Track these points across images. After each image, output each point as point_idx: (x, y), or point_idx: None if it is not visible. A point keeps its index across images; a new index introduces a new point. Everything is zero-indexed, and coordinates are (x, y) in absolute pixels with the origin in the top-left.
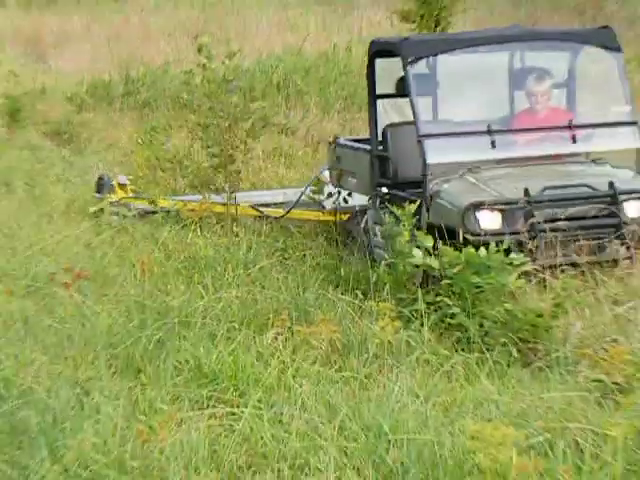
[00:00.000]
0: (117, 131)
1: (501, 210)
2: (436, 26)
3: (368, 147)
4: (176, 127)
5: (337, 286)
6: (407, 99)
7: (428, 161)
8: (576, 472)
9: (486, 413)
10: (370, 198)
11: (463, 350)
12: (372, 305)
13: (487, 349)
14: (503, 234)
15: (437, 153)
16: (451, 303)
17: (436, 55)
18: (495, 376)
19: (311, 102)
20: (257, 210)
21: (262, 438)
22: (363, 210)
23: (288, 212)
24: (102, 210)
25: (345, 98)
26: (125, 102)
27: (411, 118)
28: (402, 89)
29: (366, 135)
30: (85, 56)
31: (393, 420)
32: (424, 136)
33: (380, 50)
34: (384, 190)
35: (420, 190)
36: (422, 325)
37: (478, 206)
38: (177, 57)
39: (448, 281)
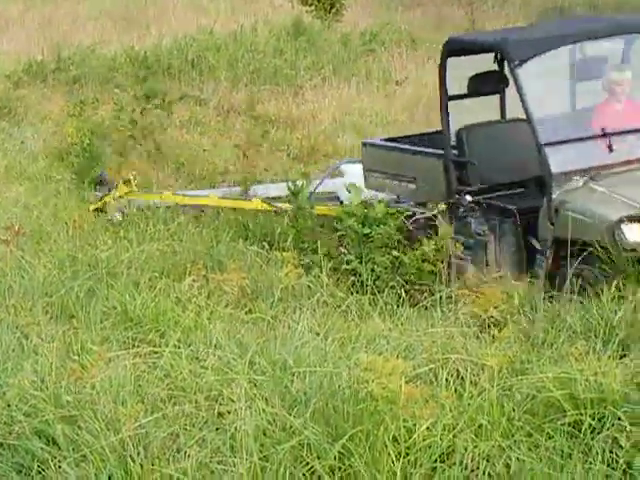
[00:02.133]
0: (50, 105)
1: None
2: (331, 8)
3: (430, 150)
4: (102, 101)
5: (246, 239)
6: (475, 99)
7: (553, 170)
8: (458, 398)
9: (378, 347)
10: (447, 206)
11: (357, 292)
12: (277, 255)
13: (378, 291)
14: None
15: (560, 161)
16: (345, 251)
17: (544, 53)
18: (386, 315)
19: (222, 76)
20: (271, 205)
21: (181, 373)
22: (427, 218)
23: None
24: (102, 208)
25: (252, 72)
26: (57, 79)
27: (481, 118)
28: (475, 88)
29: (397, 133)
30: (21, 40)
31: (296, 355)
32: (546, 145)
33: (458, 49)
34: (468, 198)
35: (513, 195)
36: (321, 271)
37: (631, 220)
38: (102, 39)
39: (343, 232)
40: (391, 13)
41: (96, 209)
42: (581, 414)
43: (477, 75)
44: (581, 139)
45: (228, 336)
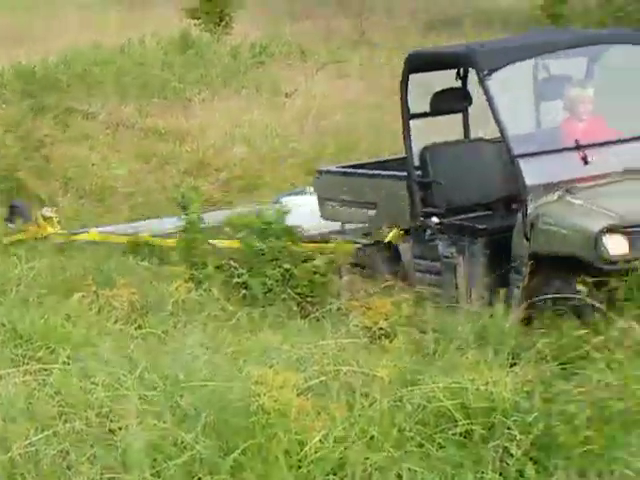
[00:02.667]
0: None
1: (628, 233)
2: (220, 21)
3: (391, 173)
4: None
5: (137, 254)
6: (439, 117)
7: (528, 183)
8: (349, 409)
9: (269, 360)
10: (409, 230)
11: (248, 306)
12: (167, 269)
13: (269, 304)
14: (630, 260)
15: (535, 174)
16: (236, 265)
17: (514, 63)
18: (277, 328)
19: (110, 90)
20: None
21: (71, 390)
22: (382, 243)
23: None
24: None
25: (140, 86)
26: None
27: (442, 138)
28: (438, 106)
29: (353, 160)
30: None
31: (187, 370)
32: (519, 156)
33: (421, 64)
34: (434, 220)
35: (479, 217)
36: (211, 285)
37: (612, 230)
38: None
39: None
40: (280, 25)
41: (10, 243)
42: (472, 423)
43: (440, 92)
44: (555, 151)
45: (118, 352)
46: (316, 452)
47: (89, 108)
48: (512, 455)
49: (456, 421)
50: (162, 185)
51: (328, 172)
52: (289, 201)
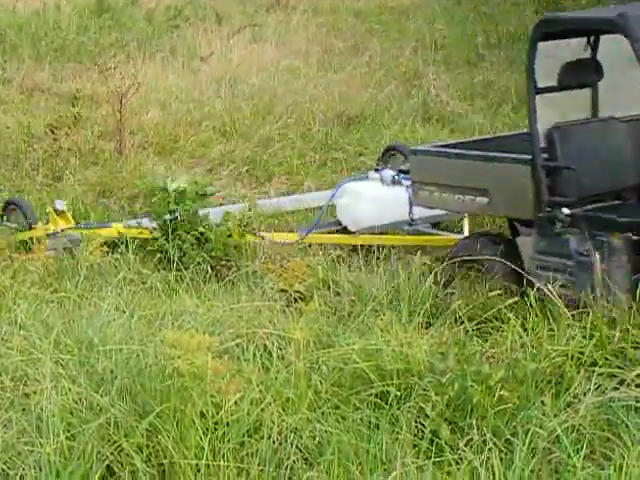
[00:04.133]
0: None
1: None
2: None
3: (509, 155)
4: None
5: None
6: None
7: None
8: (265, 372)
9: (184, 324)
10: (533, 221)
11: (164, 269)
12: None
13: (185, 268)
14: None
15: None
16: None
17: None
18: (192, 291)
19: (25, 55)
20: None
21: None
22: (500, 236)
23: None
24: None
25: (55, 50)
26: None
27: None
28: (568, 80)
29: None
30: None
31: (102, 334)
32: None
33: (554, 31)
34: (565, 211)
35: (613, 206)
36: (127, 249)
37: None
38: None
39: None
40: None
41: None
42: (387, 385)
43: (571, 63)
44: None
45: (33, 316)
46: (232, 415)
47: (4, 72)
48: (427, 416)
49: (372, 383)
50: (77, 148)
51: (426, 152)
52: (352, 188)
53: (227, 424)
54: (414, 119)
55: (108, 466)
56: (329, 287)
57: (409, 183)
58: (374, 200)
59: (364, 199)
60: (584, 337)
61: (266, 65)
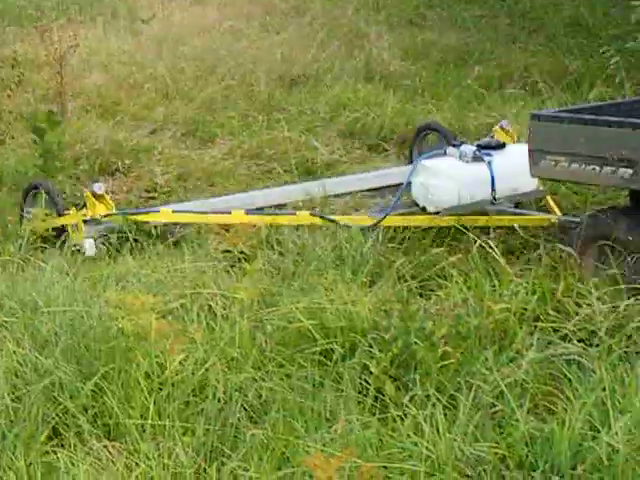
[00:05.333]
0: None
1: None
2: None
3: None
4: None
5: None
6: None
7: None
8: (209, 332)
9: (128, 285)
10: None
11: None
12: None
13: (130, 231)
14: None
15: None
16: None
17: None
18: (136, 253)
19: None
20: (326, 219)
21: None
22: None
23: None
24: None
25: None
26: None
27: None
28: None
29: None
30: None
31: (46, 296)
32: None
33: None
34: None
35: None
36: None
37: None
38: None
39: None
40: None
41: (56, 229)
42: (331, 343)
43: None
44: None
45: None
46: (176, 374)
47: None
48: (371, 373)
49: (316, 341)
50: (19, 112)
51: (553, 118)
52: (429, 165)
53: (172, 384)
54: (356, 79)
55: (54, 427)
56: (273, 247)
57: (491, 159)
58: (454, 178)
59: (444, 177)
60: (527, 293)
61: (208, 27)
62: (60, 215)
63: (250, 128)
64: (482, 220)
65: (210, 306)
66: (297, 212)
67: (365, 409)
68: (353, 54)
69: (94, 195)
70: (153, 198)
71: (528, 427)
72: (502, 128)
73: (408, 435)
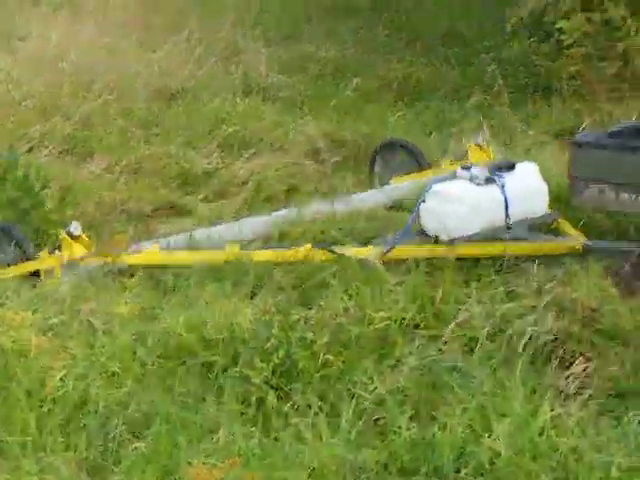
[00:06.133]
0: None
1: None
2: None
3: None
4: None
5: None
6: None
7: None
8: (89, 347)
9: (7, 302)
10: None
11: None
12: None
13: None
14: None
15: None
16: None
17: None
18: None
19: None
20: (333, 252)
21: None
22: None
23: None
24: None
25: None
26: None
27: None
28: None
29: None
30: None
31: None
32: None
33: None
34: None
35: None
36: None
37: None
38: None
39: None
40: None
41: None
42: (213, 355)
43: None
44: None
45: None
46: (57, 391)
47: None
48: (253, 384)
49: (197, 353)
50: None
51: (597, 144)
52: (440, 189)
53: (53, 400)
54: (235, 93)
55: None
56: None
57: (503, 181)
58: (468, 203)
59: (457, 203)
60: (407, 300)
61: (86, 43)
62: (28, 260)
63: (129, 143)
64: (500, 248)
65: (90, 322)
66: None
67: (248, 419)
68: (231, 69)
69: (71, 236)
70: None
71: (410, 433)
72: (477, 145)
73: (290, 444)
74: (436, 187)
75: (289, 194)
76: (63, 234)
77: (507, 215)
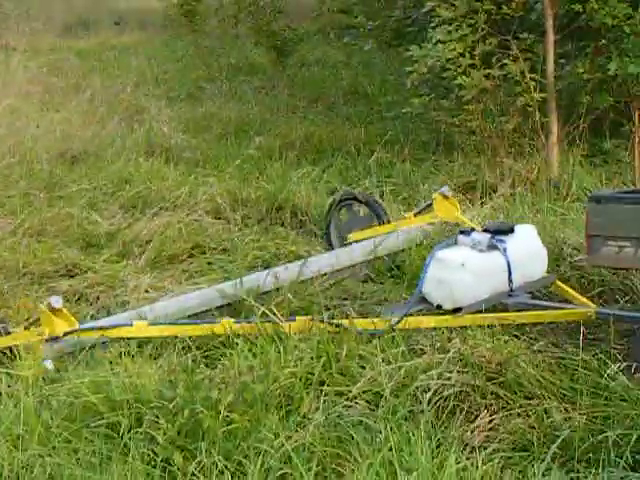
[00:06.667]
0: None
1: None
2: None
3: None
4: None
5: None
6: None
7: None
8: None
9: None
10: None
11: None
12: None
13: None
14: None
15: None
16: None
17: None
18: None
19: None
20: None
21: None
22: None
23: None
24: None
25: None
26: None
27: None
28: None
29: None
30: None
31: None
32: None
33: None
34: None
35: None
36: None
37: None
38: None
39: None
40: None
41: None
42: (118, 415)
43: None
44: None
45: None
46: None
47: None
48: (158, 444)
49: (102, 414)
50: None
51: (618, 199)
52: (443, 257)
53: None
54: (138, 153)
55: None
56: None
57: (505, 245)
58: (473, 271)
59: (461, 270)
60: (312, 358)
61: None
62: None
63: (32, 206)
64: (511, 317)
65: None
66: (297, 317)
67: None
68: (133, 129)
69: (51, 310)
70: None
71: None
72: (442, 195)
73: None
74: (439, 254)
75: (193, 252)
76: (42, 308)
77: (510, 280)
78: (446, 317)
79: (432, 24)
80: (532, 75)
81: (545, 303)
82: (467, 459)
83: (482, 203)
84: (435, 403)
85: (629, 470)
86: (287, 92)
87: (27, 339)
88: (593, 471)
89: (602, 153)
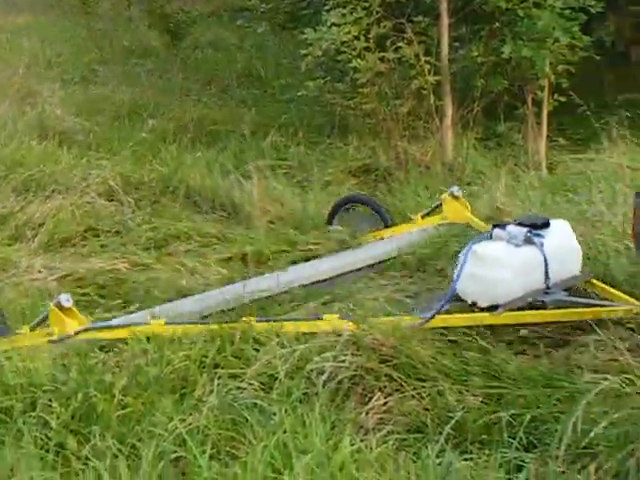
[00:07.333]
0: None
1: None
2: None
3: None
4: None
5: None
6: None
7: None
8: None
9: None
10: None
11: None
12: None
13: None
14: None
15: None
16: None
17: None
18: None
19: None
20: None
21: None
22: None
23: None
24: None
25: None
26: None
27: None
28: None
29: None
30: None
31: None
32: None
33: None
34: None
35: None
36: None
37: None
38: None
39: None
40: None
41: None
42: (11, 400)
43: None
44: None
45: None
46: None
47: None
48: (52, 428)
49: None
50: None
51: None
52: (477, 252)
53: None
54: (30, 136)
55: None
56: None
57: (542, 240)
58: (509, 266)
59: (497, 266)
60: (205, 340)
61: None
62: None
63: None
64: (555, 315)
65: None
66: (324, 316)
67: (47, 464)
68: (25, 112)
69: (61, 308)
70: None
71: (211, 472)
72: (452, 195)
73: None
74: (476, 249)
75: (86, 235)
76: (52, 306)
77: (547, 276)
78: (483, 315)
79: (326, 7)
80: (427, 58)
81: (583, 300)
82: (361, 441)
83: (376, 186)
84: (330, 386)
85: (522, 450)
86: (181, 75)
87: (31, 341)
88: (487, 452)
89: (496, 136)
